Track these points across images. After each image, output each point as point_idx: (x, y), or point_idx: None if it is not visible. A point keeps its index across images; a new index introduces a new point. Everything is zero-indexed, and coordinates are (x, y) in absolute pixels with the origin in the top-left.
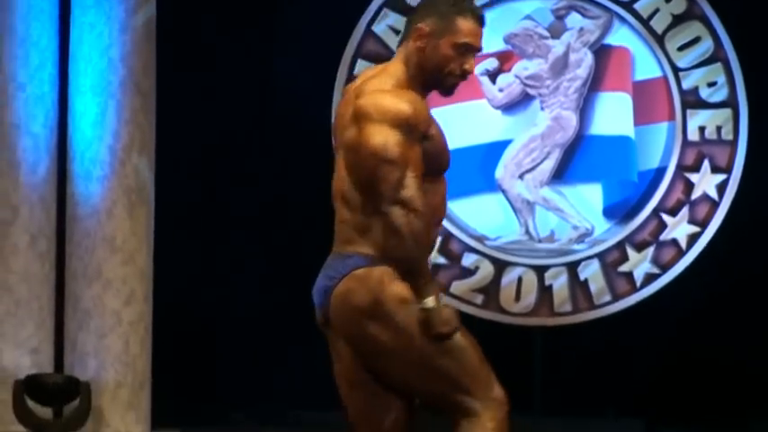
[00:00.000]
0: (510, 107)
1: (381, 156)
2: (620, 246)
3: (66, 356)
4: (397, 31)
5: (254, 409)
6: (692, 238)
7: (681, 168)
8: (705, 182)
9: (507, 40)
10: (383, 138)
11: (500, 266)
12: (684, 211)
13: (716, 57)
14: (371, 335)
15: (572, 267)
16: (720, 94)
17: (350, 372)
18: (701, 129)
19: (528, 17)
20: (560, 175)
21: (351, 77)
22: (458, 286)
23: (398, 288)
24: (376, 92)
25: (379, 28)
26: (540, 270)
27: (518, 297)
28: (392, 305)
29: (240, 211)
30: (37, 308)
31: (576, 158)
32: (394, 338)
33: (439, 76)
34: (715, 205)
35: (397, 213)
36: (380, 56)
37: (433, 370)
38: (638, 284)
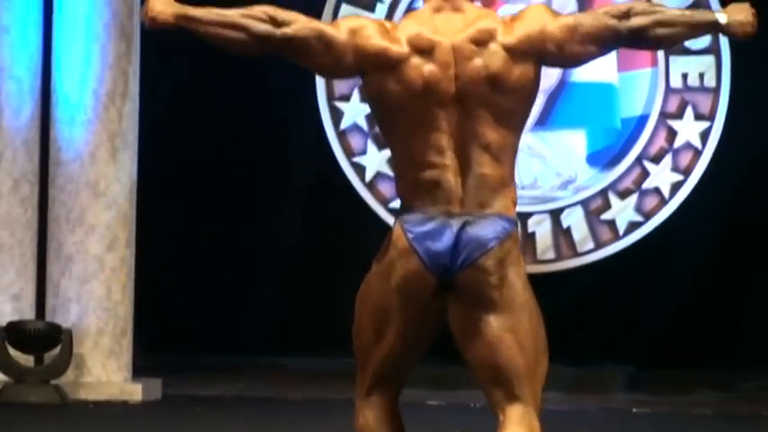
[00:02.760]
0: None
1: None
2: (603, 193)
3: (48, 302)
4: None
5: (233, 357)
6: (675, 187)
7: (664, 116)
8: (688, 130)
9: None
10: None
11: None
12: (667, 158)
13: (698, 2)
14: (520, 290)
15: (555, 214)
16: (703, 41)
17: (426, 334)
18: (684, 75)
19: None
20: (544, 121)
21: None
22: None
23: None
24: None
25: None
26: (524, 217)
27: None
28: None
29: (223, 157)
30: (19, 254)
31: (559, 105)
32: (531, 299)
33: None
34: (698, 153)
35: None
36: None
37: (537, 346)
38: (621, 232)
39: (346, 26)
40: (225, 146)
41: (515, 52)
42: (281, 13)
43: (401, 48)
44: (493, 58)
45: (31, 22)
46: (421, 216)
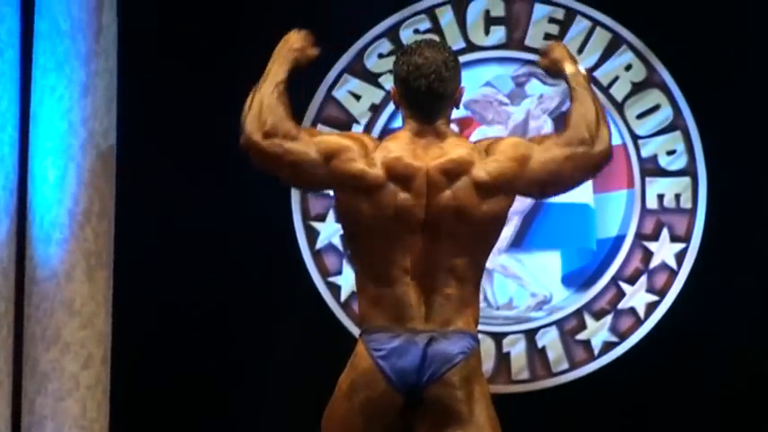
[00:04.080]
0: None
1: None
2: (578, 313)
3: (24, 420)
4: (357, 96)
5: None
6: (651, 307)
7: (639, 237)
8: (664, 251)
9: (467, 106)
10: None
11: None
12: (643, 279)
13: (675, 125)
14: (485, 407)
15: (530, 335)
16: (679, 163)
17: None
18: (660, 197)
19: (488, 84)
20: (519, 242)
21: None
22: None
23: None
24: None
25: (339, 93)
26: (498, 337)
27: None
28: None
29: (201, 275)
30: None
31: (534, 226)
32: (495, 417)
33: None
34: (673, 274)
35: None
36: (340, 121)
37: None
38: (596, 353)
39: (326, 147)
40: (199, 262)
41: (487, 188)
42: (287, 126)
43: (378, 173)
44: (462, 192)
45: (7, 141)
46: (385, 334)
